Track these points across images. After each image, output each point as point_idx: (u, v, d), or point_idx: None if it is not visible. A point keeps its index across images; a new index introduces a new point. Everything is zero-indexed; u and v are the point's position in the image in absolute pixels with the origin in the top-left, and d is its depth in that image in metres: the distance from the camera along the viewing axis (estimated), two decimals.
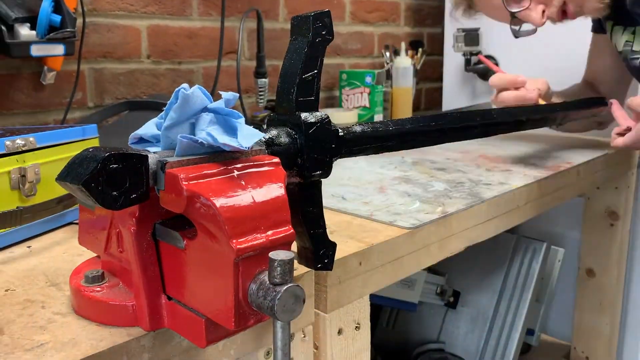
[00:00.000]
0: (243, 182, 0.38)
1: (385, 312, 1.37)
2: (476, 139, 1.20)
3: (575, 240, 1.34)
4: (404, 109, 1.48)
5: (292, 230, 0.38)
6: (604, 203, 1.21)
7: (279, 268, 0.34)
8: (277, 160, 0.42)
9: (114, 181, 0.35)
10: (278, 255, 0.35)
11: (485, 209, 0.73)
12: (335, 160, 0.49)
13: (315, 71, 0.46)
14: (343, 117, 1.27)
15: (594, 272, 1.25)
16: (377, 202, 0.72)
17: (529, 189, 0.82)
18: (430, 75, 1.81)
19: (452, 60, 1.61)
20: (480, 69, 1.52)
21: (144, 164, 0.37)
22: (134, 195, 0.36)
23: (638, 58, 0.94)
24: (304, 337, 0.53)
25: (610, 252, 1.22)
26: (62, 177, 0.36)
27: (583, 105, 0.99)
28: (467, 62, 1.52)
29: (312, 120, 0.46)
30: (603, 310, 1.24)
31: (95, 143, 0.70)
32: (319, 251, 0.48)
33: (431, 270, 1.27)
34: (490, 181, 0.83)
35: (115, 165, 0.35)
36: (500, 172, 0.89)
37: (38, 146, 0.62)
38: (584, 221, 1.26)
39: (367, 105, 1.40)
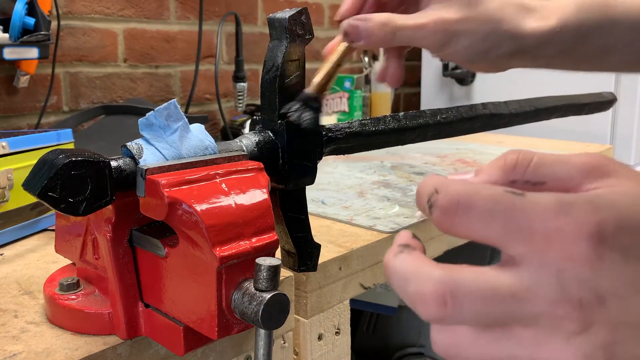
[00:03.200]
0: (226, 188, 0.37)
1: (365, 317, 1.37)
2: (454, 143, 1.21)
3: None
4: (382, 114, 1.49)
5: (276, 237, 0.38)
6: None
7: (265, 274, 0.34)
8: (260, 165, 0.41)
9: (73, 188, 0.34)
10: (265, 261, 0.34)
11: None
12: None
13: (297, 73, 0.46)
14: (322, 122, 1.27)
15: None
16: (357, 207, 0.72)
17: None
18: (408, 80, 1.83)
19: (430, 65, 1.63)
20: (457, 73, 1.53)
21: (107, 169, 0.36)
22: (97, 202, 0.36)
23: None
24: (284, 343, 0.53)
25: None
26: (25, 185, 0.35)
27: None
28: (445, 67, 1.54)
29: (294, 127, 0.46)
30: None
31: (70, 148, 0.69)
32: (302, 253, 0.47)
33: None
34: None
35: (74, 172, 0.34)
36: None
37: (11, 151, 0.60)
38: None
39: (347, 110, 1.40)
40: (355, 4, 0.50)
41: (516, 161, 0.27)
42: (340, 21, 0.50)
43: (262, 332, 0.35)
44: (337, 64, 0.49)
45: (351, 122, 0.53)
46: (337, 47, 0.49)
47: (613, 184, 0.25)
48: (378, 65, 1.50)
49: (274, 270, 0.34)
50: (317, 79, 0.48)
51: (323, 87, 0.48)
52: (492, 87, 1.50)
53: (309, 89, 0.47)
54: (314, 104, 0.46)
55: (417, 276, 0.23)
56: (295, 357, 0.55)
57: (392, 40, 0.49)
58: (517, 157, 0.27)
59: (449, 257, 0.84)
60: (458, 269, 0.23)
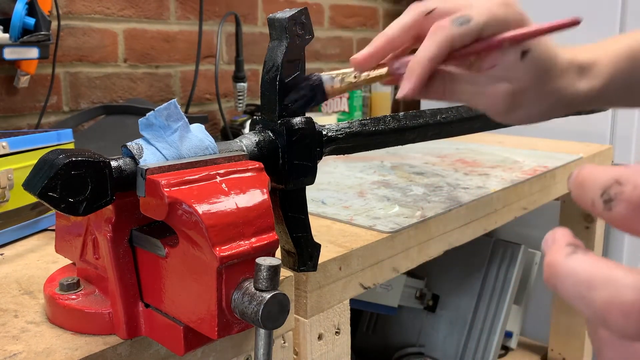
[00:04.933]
0: (226, 188, 0.37)
1: (365, 317, 1.37)
2: (454, 143, 1.21)
3: None
4: (382, 114, 1.49)
5: (276, 237, 0.38)
6: (579, 206, 1.23)
7: (265, 274, 0.34)
8: (260, 165, 0.41)
9: (73, 188, 0.34)
10: (265, 260, 0.34)
11: (463, 212, 0.74)
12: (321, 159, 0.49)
13: (297, 73, 0.46)
14: (322, 122, 1.27)
15: None
16: (357, 207, 0.72)
17: (506, 192, 0.83)
18: None
19: None
20: None
21: (107, 169, 0.36)
22: (97, 202, 0.36)
23: None
24: (284, 343, 0.53)
25: None
26: (26, 185, 0.35)
27: None
28: None
29: (294, 126, 0.46)
30: (579, 312, 1.26)
31: (70, 148, 0.69)
32: (303, 253, 0.47)
33: (410, 274, 1.27)
34: (468, 185, 0.84)
35: (74, 172, 0.34)
36: (478, 176, 0.90)
37: (11, 151, 0.60)
38: (560, 224, 1.28)
39: (346, 109, 1.40)
40: (380, 51, 0.48)
41: None
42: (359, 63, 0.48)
43: (262, 332, 0.35)
44: (364, 83, 0.49)
45: (351, 122, 0.53)
46: (375, 69, 0.49)
47: None
48: None
49: (274, 270, 0.34)
50: (339, 83, 0.47)
51: (340, 92, 0.48)
52: None
53: (328, 87, 0.47)
54: (319, 96, 0.47)
55: (607, 281, 0.20)
56: (295, 357, 0.55)
57: (450, 98, 0.48)
58: None
59: (449, 257, 0.85)
60: None
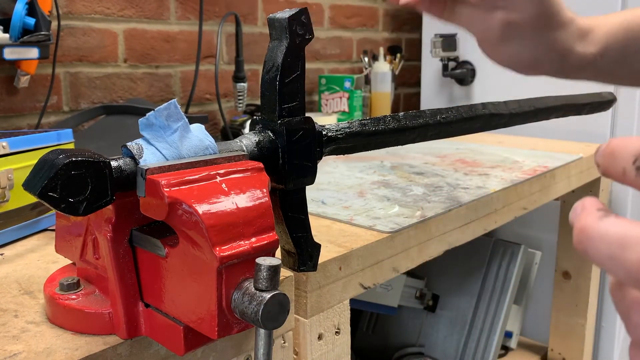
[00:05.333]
0: (226, 188, 0.37)
1: (365, 317, 1.37)
2: (454, 143, 1.21)
3: (552, 243, 1.36)
4: (382, 114, 1.49)
5: (276, 237, 0.38)
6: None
7: (265, 274, 0.34)
8: (260, 165, 0.41)
9: (73, 188, 0.34)
10: (265, 260, 0.34)
11: (463, 212, 0.74)
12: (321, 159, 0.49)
13: (297, 73, 0.46)
14: (322, 122, 1.27)
15: (570, 275, 1.27)
16: (357, 207, 0.72)
17: (506, 192, 0.83)
18: (408, 80, 1.83)
19: (430, 65, 1.63)
20: (457, 74, 1.53)
21: (107, 169, 0.36)
22: (97, 202, 0.36)
23: None
24: (284, 343, 0.53)
25: None
26: (26, 185, 0.35)
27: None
28: (445, 68, 1.54)
29: (294, 126, 0.46)
30: (579, 312, 1.26)
31: (70, 148, 0.69)
32: (303, 253, 0.47)
33: (410, 274, 1.27)
34: (468, 185, 0.84)
35: (74, 172, 0.34)
36: (478, 176, 0.90)
37: (11, 151, 0.60)
38: (560, 224, 1.28)
39: (346, 110, 1.40)
40: None
41: None
42: None
43: (262, 332, 0.35)
44: None
45: (351, 122, 0.53)
46: None
47: None
48: (377, 66, 1.50)
49: (274, 270, 0.34)
50: None
51: None
52: (492, 87, 1.50)
53: None
54: None
55: None
56: (295, 356, 0.55)
57: (449, 18, 0.48)
58: None
59: (449, 257, 0.85)
60: None
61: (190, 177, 0.37)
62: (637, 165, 0.21)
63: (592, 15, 0.53)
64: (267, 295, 0.34)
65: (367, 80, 1.51)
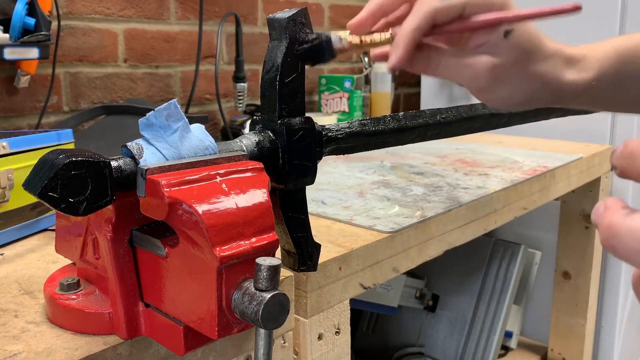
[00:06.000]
0: (226, 188, 0.37)
1: (365, 317, 1.37)
2: (454, 143, 1.21)
3: (552, 243, 1.36)
4: (382, 114, 1.49)
5: (276, 237, 0.38)
6: (579, 206, 1.23)
7: (265, 274, 0.34)
8: (260, 165, 0.41)
9: (73, 188, 0.34)
10: (265, 260, 0.34)
11: (463, 212, 0.74)
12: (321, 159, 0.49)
13: (297, 73, 0.46)
14: (322, 122, 1.27)
15: (569, 275, 1.27)
16: (357, 207, 0.72)
17: (506, 192, 0.83)
18: (408, 80, 1.83)
19: None
20: None
21: (107, 169, 0.36)
22: (97, 202, 0.36)
23: None
24: (284, 343, 0.53)
25: (585, 255, 1.24)
26: (26, 185, 0.35)
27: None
28: None
29: (294, 126, 0.46)
30: (579, 312, 1.26)
31: (70, 148, 0.69)
32: (303, 253, 0.47)
33: (410, 274, 1.27)
34: (468, 185, 0.84)
35: (75, 172, 0.34)
36: (478, 176, 0.90)
37: (11, 151, 0.60)
38: (560, 224, 1.28)
39: (347, 110, 1.40)
40: (371, 16, 0.50)
41: None
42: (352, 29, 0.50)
43: (262, 332, 0.35)
44: (370, 47, 0.50)
45: (351, 122, 0.53)
46: (379, 32, 0.50)
47: None
48: (377, 66, 1.50)
49: (274, 270, 0.34)
50: (346, 44, 0.49)
51: (346, 51, 0.49)
52: None
53: (336, 45, 0.48)
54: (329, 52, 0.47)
55: None
56: (295, 356, 0.55)
57: (434, 73, 0.49)
58: None
59: (449, 257, 0.85)
60: None
61: (190, 177, 0.37)
62: None
63: (583, 44, 0.54)
64: (267, 295, 0.34)
65: (367, 80, 1.51)
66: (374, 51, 0.55)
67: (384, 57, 0.53)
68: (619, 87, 0.53)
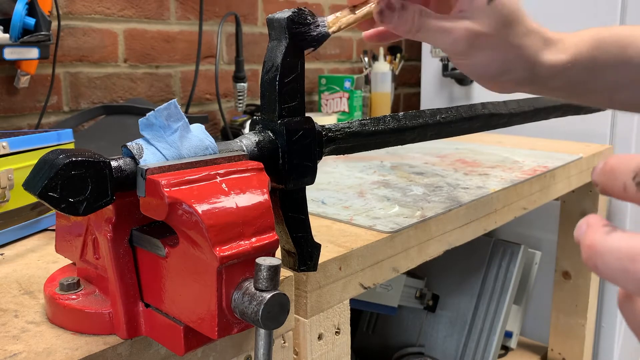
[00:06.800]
0: (226, 188, 0.37)
1: (365, 316, 1.37)
2: (454, 143, 1.21)
3: (552, 243, 1.36)
4: (382, 114, 1.49)
5: (276, 237, 0.38)
6: (579, 206, 1.23)
7: (265, 274, 0.34)
8: (260, 165, 0.41)
9: (74, 188, 0.34)
10: (265, 260, 0.34)
11: (463, 212, 0.74)
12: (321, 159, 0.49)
13: (297, 73, 0.46)
14: (322, 122, 1.27)
15: (569, 275, 1.27)
16: (357, 207, 0.72)
17: (506, 192, 0.83)
18: (408, 80, 1.83)
19: (430, 65, 1.63)
20: (457, 74, 1.53)
21: (107, 169, 0.36)
22: (97, 202, 0.36)
23: None
24: (284, 343, 0.53)
25: None
26: (26, 185, 0.35)
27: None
28: (445, 68, 1.54)
29: (294, 126, 0.46)
30: (579, 312, 1.26)
31: (70, 148, 0.69)
32: (303, 253, 0.47)
33: (410, 274, 1.27)
34: (468, 185, 0.84)
35: (75, 172, 0.34)
36: (478, 176, 0.90)
37: (11, 151, 0.60)
38: (560, 224, 1.28)
39: (346, 110, 1.40)
40: None
41: None
42: None
43: (262, 332, 0.35)
44: (359, 19, 0.50)
45: (351, 122, 0.53)
46: (367, 3, 0.50)
47: None
48: (377, 66, 1.50)
49: (274, 270, 0.34)
50: (336, 23, 0.49)
51: (337, 29, 0.49)
52: None
53: (329, 26, 0.48)
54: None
55: None
56: (295, 356, 0.55)
57: (416, 35, 0.50)
58: None
59: (449, 257, 0.85)
60: None
61: (190, 177, 0.37)
62: (638, 180, 0.22)
63: (564, 32, 0.56)
64: (267, 295, 0.34)
65: (367, 80, 1.51)
66: (367, 32, 0.56)
67: (375, 37, 0.55)
68: (594, 73, 0.53)
